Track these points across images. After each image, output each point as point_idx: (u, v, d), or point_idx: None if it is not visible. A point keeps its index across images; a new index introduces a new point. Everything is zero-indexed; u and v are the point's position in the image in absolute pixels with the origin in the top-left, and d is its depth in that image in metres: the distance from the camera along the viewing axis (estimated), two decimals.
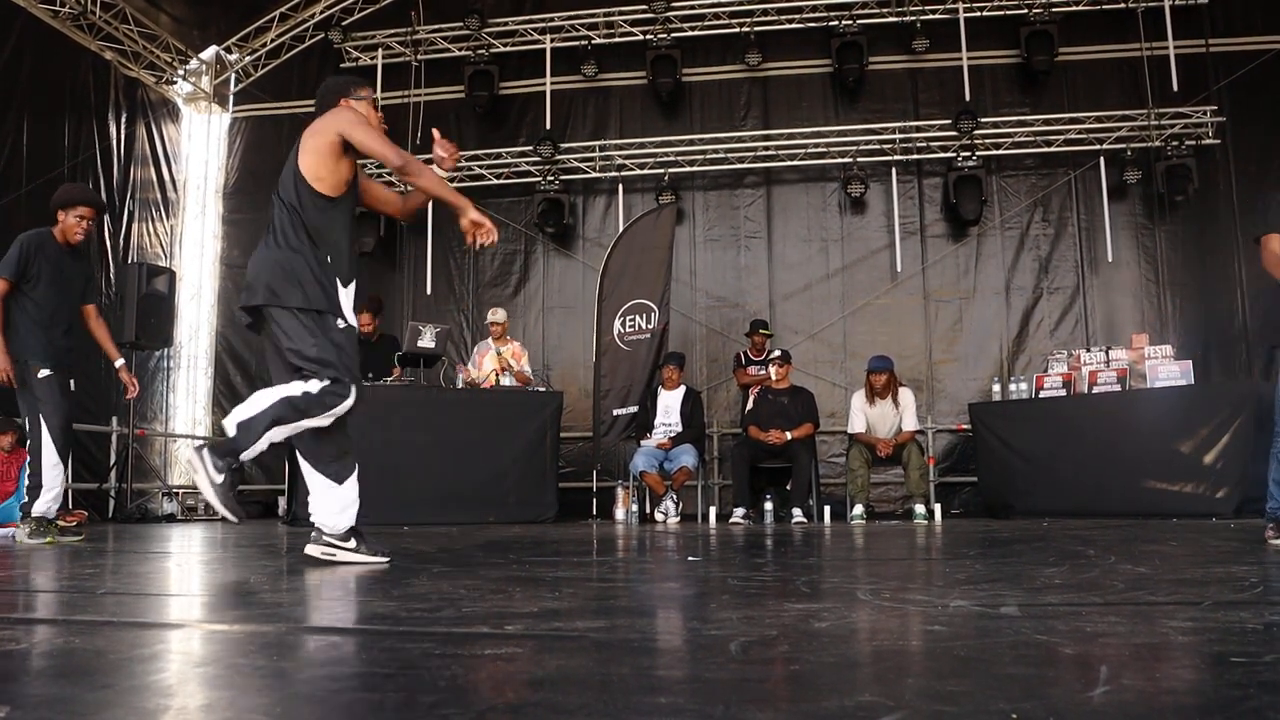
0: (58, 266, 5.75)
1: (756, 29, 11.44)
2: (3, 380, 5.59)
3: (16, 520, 5.96)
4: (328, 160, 3.79)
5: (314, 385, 3.68)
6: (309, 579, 3.25)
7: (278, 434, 3.71)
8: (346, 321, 3.80)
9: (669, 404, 9.26)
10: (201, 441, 3.88)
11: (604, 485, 9.95)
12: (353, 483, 3.89)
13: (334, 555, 3.83)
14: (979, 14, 11.15)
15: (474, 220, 3.77)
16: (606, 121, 11.97)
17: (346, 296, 3.82)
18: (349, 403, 3.74)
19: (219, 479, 3.63)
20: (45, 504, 5.63)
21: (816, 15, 11.41)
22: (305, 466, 3.92)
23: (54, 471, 5.63)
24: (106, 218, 10.89)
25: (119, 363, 6.22)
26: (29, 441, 5.76)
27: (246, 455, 3.74)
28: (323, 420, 3.73)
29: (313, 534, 3.90)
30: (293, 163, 3.82)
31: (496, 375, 9.23)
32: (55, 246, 5.77)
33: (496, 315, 9.58)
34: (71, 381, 5.92)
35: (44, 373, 5.66)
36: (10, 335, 5.66)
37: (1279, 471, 4.38)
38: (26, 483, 5.76)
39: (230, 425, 3.73)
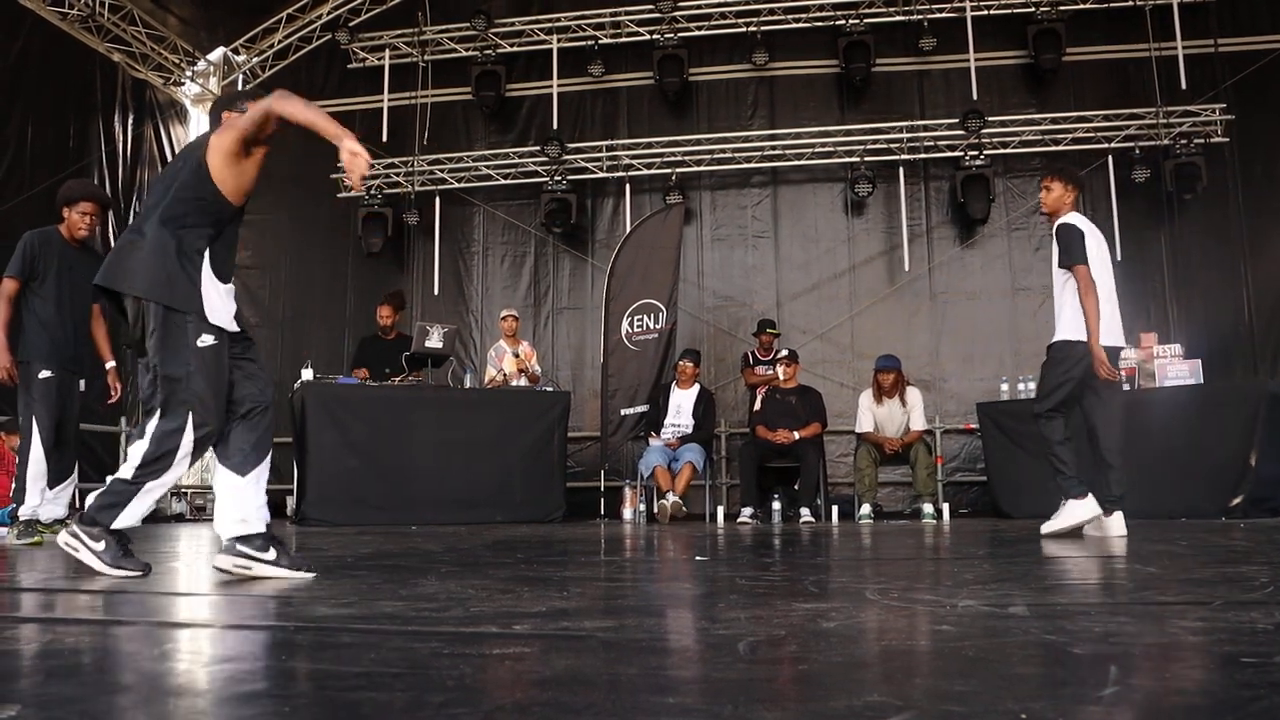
0: (65, 264, 5.69)
1: (763, 28, 11.43)
2: (3, 379, 5.56)
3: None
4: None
5: None
6: (316, 579, 3.25)
7: None
8: None
9: (681, 404, 9.25)
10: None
11: (611, 485, 9.95)
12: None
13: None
14: (986, 12, 11.13)
15: (351, 151, 3.27)
16: (614, 121, 11.97)
17: None
18: None
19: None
20: (32, 508, 5.57)
21: (823, 15, 11.40)
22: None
23: (36, 483, 5.55)
24: (113, 219, 10.92)
25: (110, 365, 6.13)
26: (19, 444, 5.69)
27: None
28: None
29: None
30: None
31: (507, 378, 9.26)
32: (62, 244, 5.71)
33: (511, 312, 9.65)
34: (81, 382, 5.87)
35: (44, 374, 5.60)
36: (17, 335, 5.64)
37: None
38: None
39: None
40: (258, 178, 3.50)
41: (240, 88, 12.73)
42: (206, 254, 3.38)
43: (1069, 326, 5.62)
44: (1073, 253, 5.66)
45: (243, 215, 3.57)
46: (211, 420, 3.34)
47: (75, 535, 3.31)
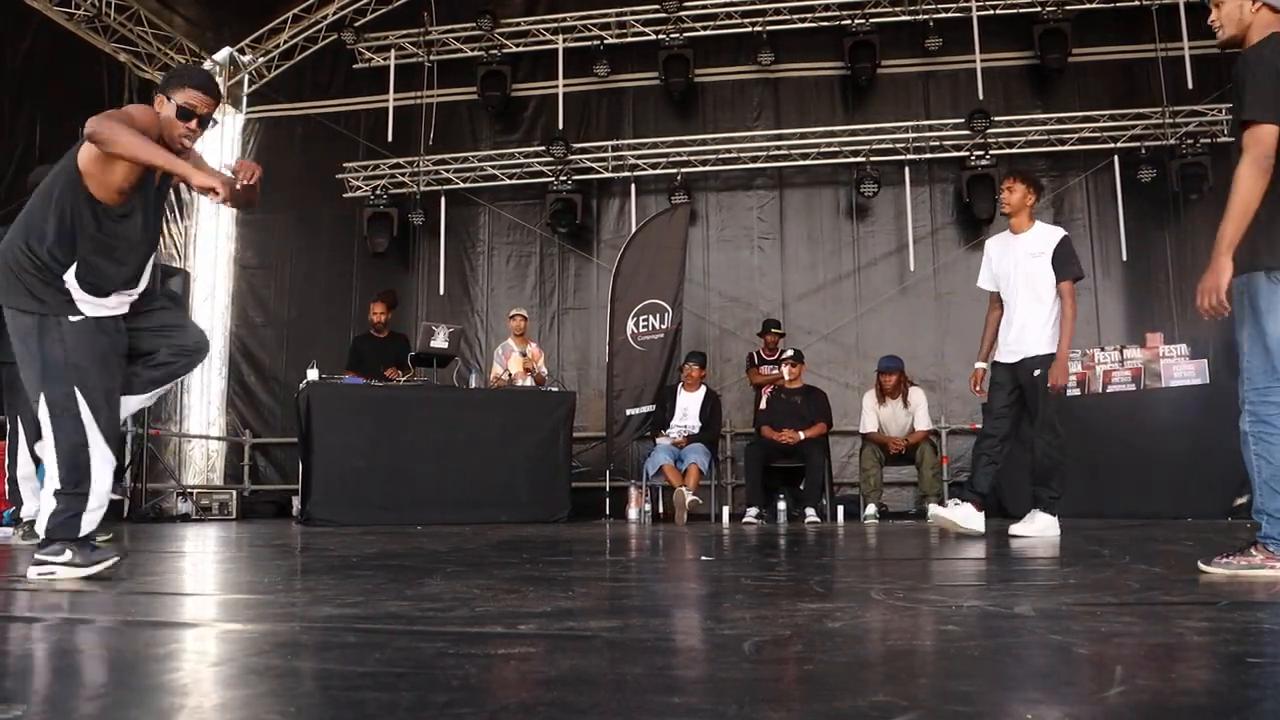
0: None
1: (769, 29, 11.42)
2: None
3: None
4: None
5: None
6: (322, 579, 3.26)
7: None
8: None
9: (688, 406, 9.25)
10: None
11: (617, 485, 9.95)
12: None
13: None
14: (992, 11, 11.11)
15: (201, 186, 3.22)
16: (619, 122, 11.96)
17: None
18: None
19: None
20: (33, 509, 5.53)
21: (829, 14, 11.38)
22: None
23: (27, 484, 5.50)
24: None
25: None
26: (6, 445, 5.63)
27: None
28: None
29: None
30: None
31: (513, 378, 9.25)
32: None
33: (520, 312, 9.64)
34: None
35: None
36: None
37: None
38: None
39: None
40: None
41: (246, 88, 12.76)
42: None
43: (1053, 339, 5.70)
44: (1077, 268, 5.77)
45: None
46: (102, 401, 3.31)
47: (41, 563, 3.25)
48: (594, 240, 11.84)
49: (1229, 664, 1.59)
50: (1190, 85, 10.47)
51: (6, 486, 5.68)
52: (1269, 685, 1.39)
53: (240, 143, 12.75)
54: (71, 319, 3.31)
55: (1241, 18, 3.47)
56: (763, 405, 9.16)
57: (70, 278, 3.30)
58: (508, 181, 11.86)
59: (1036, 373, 5.69)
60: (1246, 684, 1.42)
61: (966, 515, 5.70)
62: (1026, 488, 8.45)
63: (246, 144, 12.70)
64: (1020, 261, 5.77)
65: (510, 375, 9.31)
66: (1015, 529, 5.76)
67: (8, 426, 5.65)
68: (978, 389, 6.07)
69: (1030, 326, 5.71)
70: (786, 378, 9.07)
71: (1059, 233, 5.82)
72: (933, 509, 6.12)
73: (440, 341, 8.74)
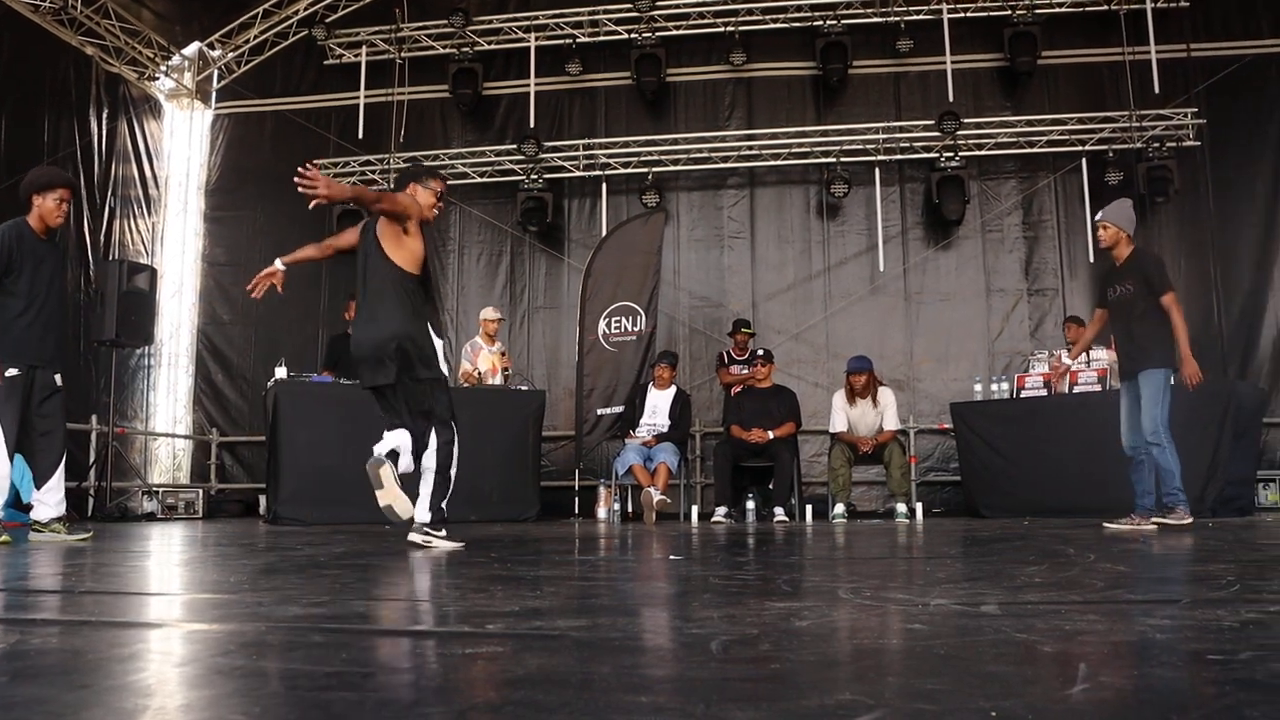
0: (36, 258, 5.50)
1: (741, 29, 11.45)
2: None
3: None
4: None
5: None
6: (289, 578, 3.24)
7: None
8: None
9: (657, 404, 9.27)
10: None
11: (586, 484, 9.95)
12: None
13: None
14: (962, 14, 11.19)
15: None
16: (591, 121, 11.96)
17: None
18: None
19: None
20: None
21: (801, 15, 11.42)
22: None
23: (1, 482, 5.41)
24: (88, 214, 10.83)
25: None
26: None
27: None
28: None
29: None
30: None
31: (482, 376, 9.20)
32: (33, 236, 5.52)
33: (493, 314, 9.56)
34: (58, 377, 5.69)
35: (11, 373, 5.41)
36: None
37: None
38: None
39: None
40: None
41: (215, 83, 12.65)
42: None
43: None
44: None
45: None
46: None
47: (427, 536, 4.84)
48: (565, 239, 11.84)
49: (1191, 661, 1.61)
50: (1157, 90, 10.58)
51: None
52: (1228, 681, 1.41)
53: (209, 138, 12.65)
54: None
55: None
56: (732, 405, 9.18)
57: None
58: (479, 180, 11.83)
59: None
60: (1207, 681, 1.44)
61: None
62: (994, 486, 8.56)
63: (215, 140, 12.61)
64: None
65: (481, 373, 9.26)
66: None
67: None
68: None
69: None
70: (756, 377, 9.10)
71: None
72: None
73: None
